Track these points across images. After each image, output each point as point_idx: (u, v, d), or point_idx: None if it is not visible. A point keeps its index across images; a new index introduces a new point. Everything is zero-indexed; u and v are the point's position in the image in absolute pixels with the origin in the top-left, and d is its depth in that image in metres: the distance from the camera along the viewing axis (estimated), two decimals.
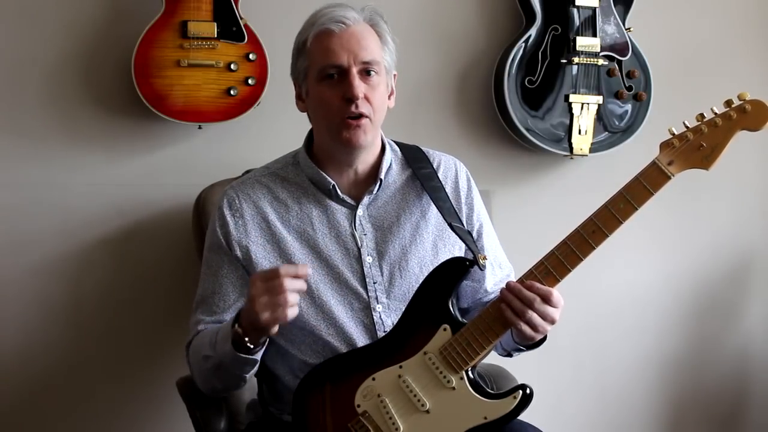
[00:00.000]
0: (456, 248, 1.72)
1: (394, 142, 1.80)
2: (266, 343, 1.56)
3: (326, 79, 1.62)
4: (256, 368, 1.60)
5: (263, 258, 1.67)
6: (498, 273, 1.77)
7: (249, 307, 1.48)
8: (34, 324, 2.18)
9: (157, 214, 2.22)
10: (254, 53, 2.12)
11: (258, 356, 1.56)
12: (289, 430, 1.60)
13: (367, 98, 1.61)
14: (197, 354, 1.64)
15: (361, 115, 1.61)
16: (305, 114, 1.74)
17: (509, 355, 1.73)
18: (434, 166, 1.77)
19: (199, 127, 2.17)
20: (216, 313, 1.68)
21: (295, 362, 1.67)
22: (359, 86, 1.60)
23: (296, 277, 1.46)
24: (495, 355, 1.76)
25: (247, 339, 1.51)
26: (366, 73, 1.62)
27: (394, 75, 1.72)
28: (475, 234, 1.75)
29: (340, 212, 1.70)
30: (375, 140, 1.70)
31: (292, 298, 1.45)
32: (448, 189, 1.75)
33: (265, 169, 1.77)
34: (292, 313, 1.46)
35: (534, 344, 1.61)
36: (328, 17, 1.62)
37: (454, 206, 1.73)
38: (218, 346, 1.57)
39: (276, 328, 1.49)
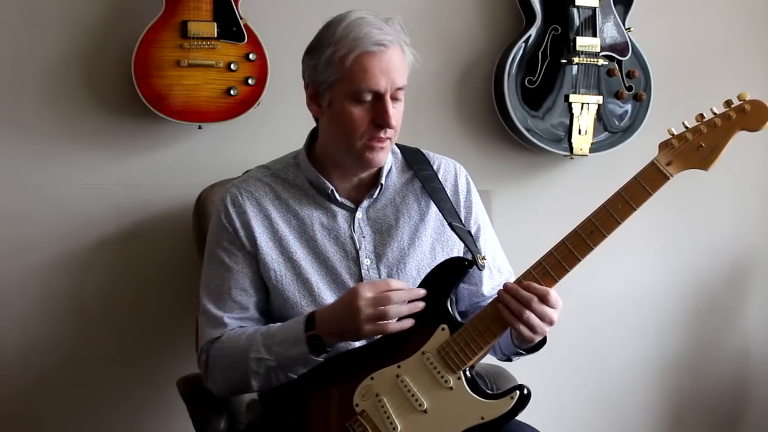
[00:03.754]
0: (455, 251, 1.73)
1: (396, 144, 1.80)
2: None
3: (358, 99, 1.60)
4: None
5: (266, 254, 1.67)
6: (496, 277, 1.77)
7: (347, 315, 1.50)
8: (34, 324, 2.18)
9: (158, 214, 2.22)
10: (254, 53, 2.12)
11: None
12: (288, 429, 1.60)
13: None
14: (236, 355, 1.61)
15: (387, 139, 1.62)
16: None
17: (509, 359, 1.73)
18: (434, 168, 1.77)
19: (199, 127, 2.17)
20: (235, 309, 1.67)
21: None
22: (393, 115, 1.59)
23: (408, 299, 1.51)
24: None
25: (326, 343, 1.54)
26: (395, 97, 1.61)
27: None
28: (473, 236, 1.74)
29: (339, 214, 1.70)
30: None
31: (400, 309, 1.51)
32: (448, 191, 1.75)
33: (266, 170, 1.77)
34: (394, 327, 1.51)
35: (533, 348, 1.61)
36: (370, 40, 1.58)
37: (455, 207, 1.73)
38: (278, 348, 1.57)
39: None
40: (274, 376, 1.61)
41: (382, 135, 1.61)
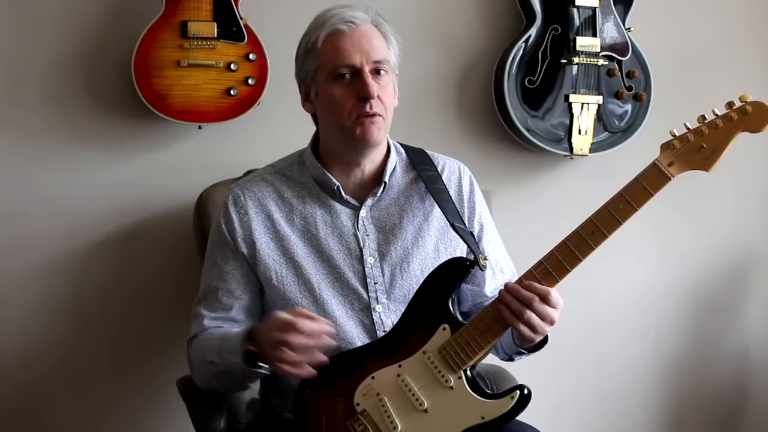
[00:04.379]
0: (458, 251, 1.73)
1: (400, 144, 1.80)
2: None
3: (338, 79, 1.62)
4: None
5: (267, 255, 1.68)
6: (499, 278, 1.77)
7: (265, 335, 1.49)
8: (34, 324, 2.18)
9: (158, 214, 2.22)
10: (254, 53, 2.13)
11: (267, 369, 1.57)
12: (289, 428, 1.60)
13: (379, 97, 1.62)
14: (201, 356, 1.66)
15: (375, 114, 1.62)
16: (305, 114, 1.74)
17: (510, 359, 1.73)
18: (438, 169, 1.77)
19: (199, 127, 2.17)
20: (218, 309, 1.69)
21: None
22: (373, 85, 1.60)
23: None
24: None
25: (260, 356, 1.53)
26: (377, 72, 1.63)
27: (396, 74, 1.72)
28: (475, 237, 1.75)
29: (343, 213, 1.71)
30: (385, 139, 1.71)
31: (301, 340, 1.45)
32: (452, 192, 1.75)
33: (271, 168, 1.77)
34: (290, 357, 1.46)
35: (535, 347, 1.61)
36: (338, 18, 1.62)
37: (457, 208, 1.73)
38: (225, 355, 1.58)
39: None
40: (228, 381, 1.63)
41: (368, 109, 1.61)
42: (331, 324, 1.49)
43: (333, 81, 1.62)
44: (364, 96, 1.60)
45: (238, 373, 1.58)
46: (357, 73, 1.61)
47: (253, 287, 1.69)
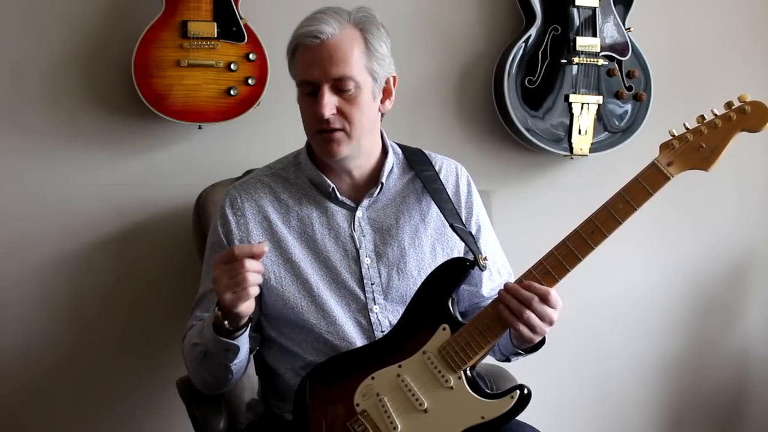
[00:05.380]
0: (455, 252, 1.73)
1: (397, 144, 1.80)
2: (247, 329, 1.55)
3: (302, 91, 1.64)
4: (240, 359, 1.58)
5: (265, 257, 1.66)
6: (496, 278, 1.77)
7: (214, 284, 1.47)
8: (34, 324, 2.19)
9: (158, 214, 2.23)
10: (254, 53, 2.13)
11: (240, 342, 1.54)
12: (290, 429, 1.60)
13: (341, 112, 1.61)
14: (188, 344, 1.65)
15: (333, 129, 1.61)
16: None
17: (507, 360, 1.73)
18: (436, 169, 1.77)
19: (199, 127, 2.17)
20: (210, 309, 1.67)
21: (297, 360, 1.68)
22: (327, 104, 1.59)
23: (253, 256, 1.44)
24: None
25: (226, 322, 1.51)
26: (339, 88, 1.61)
27: (394, 78, 1.70)
28: (474, 237, 1.75)
29: (339, 214, 1.71)
30: (364, 149, 1.69)
31: (252, 278, 1.44)
32: (449, 192, 1.75)
33: (267, 169, 1.78)
34: (253, 291, 1.45)
35: (532, 348, 1.61)
36: (303, 32, 1.61)
37: (456, 208, 1.73)
38: (204, 331, 1.57)
39: (244, 309, 1.47)
40: (209, 364, 1.60)
41: (324, 126, 1.61)
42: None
43: (301, 93, 1.65)
44: (318, 114, 1.59)
45: (214, 349, 1.55)
46: (317, 89, 1.60)
47: None
